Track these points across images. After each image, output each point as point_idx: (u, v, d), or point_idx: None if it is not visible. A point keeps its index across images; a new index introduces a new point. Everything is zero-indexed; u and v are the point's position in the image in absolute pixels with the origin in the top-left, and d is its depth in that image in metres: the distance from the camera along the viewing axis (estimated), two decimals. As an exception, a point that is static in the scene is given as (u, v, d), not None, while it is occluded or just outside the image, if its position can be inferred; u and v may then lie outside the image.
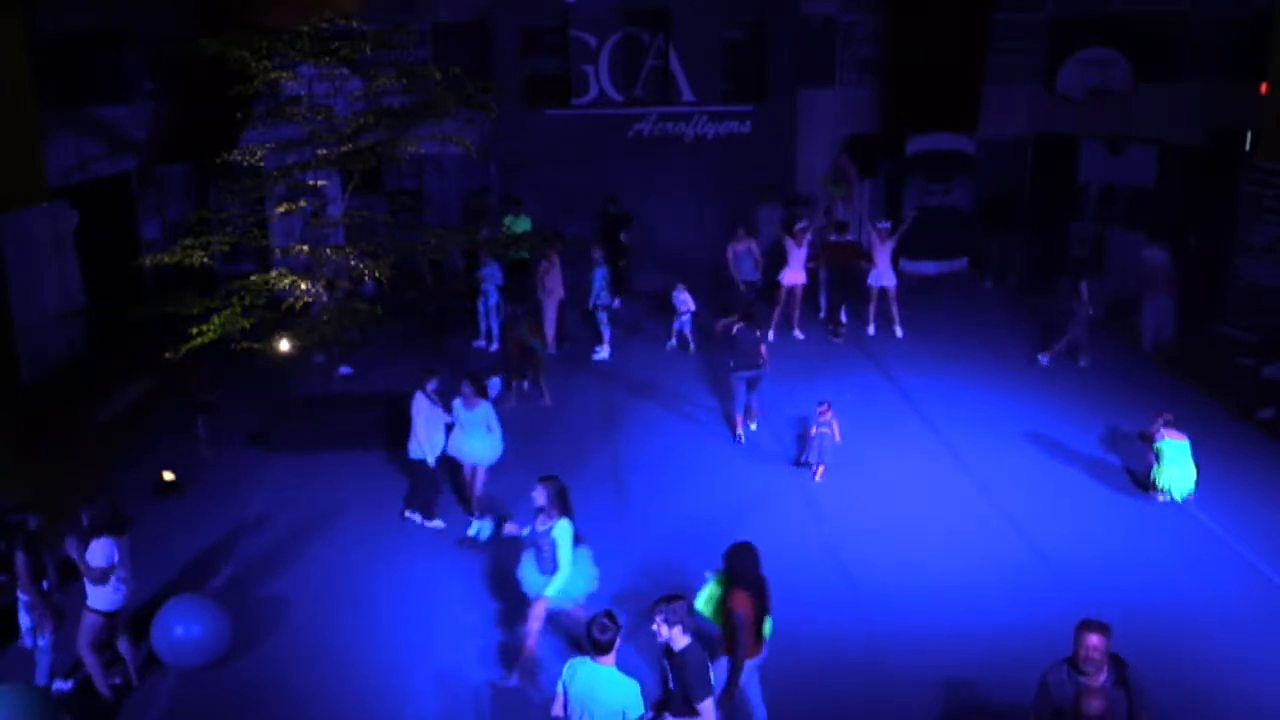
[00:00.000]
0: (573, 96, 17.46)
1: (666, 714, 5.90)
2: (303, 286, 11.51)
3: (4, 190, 11.37)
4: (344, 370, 13.52)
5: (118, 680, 7.69)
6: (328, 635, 8.28)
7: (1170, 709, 6.77)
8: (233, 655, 7.93)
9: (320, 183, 12.23)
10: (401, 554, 9.46)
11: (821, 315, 15.86)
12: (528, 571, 7.58)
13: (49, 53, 13.00)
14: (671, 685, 5.85)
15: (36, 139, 11.79)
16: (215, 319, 10.81)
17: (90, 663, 7.52)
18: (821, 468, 10.79)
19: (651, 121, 17.56)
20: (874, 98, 18.62)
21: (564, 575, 7.34)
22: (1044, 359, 13.95)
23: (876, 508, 10.15)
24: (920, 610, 8.47)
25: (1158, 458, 10.09)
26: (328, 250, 11.77)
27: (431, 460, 9.79)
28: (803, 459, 10.99)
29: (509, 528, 7.76)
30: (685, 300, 14.43)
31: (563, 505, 7.45)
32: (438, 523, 9.98)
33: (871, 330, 15.16)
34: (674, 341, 14.78)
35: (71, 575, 7.67)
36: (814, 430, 10.78)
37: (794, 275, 14.82)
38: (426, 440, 9.76)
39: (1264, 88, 13.91)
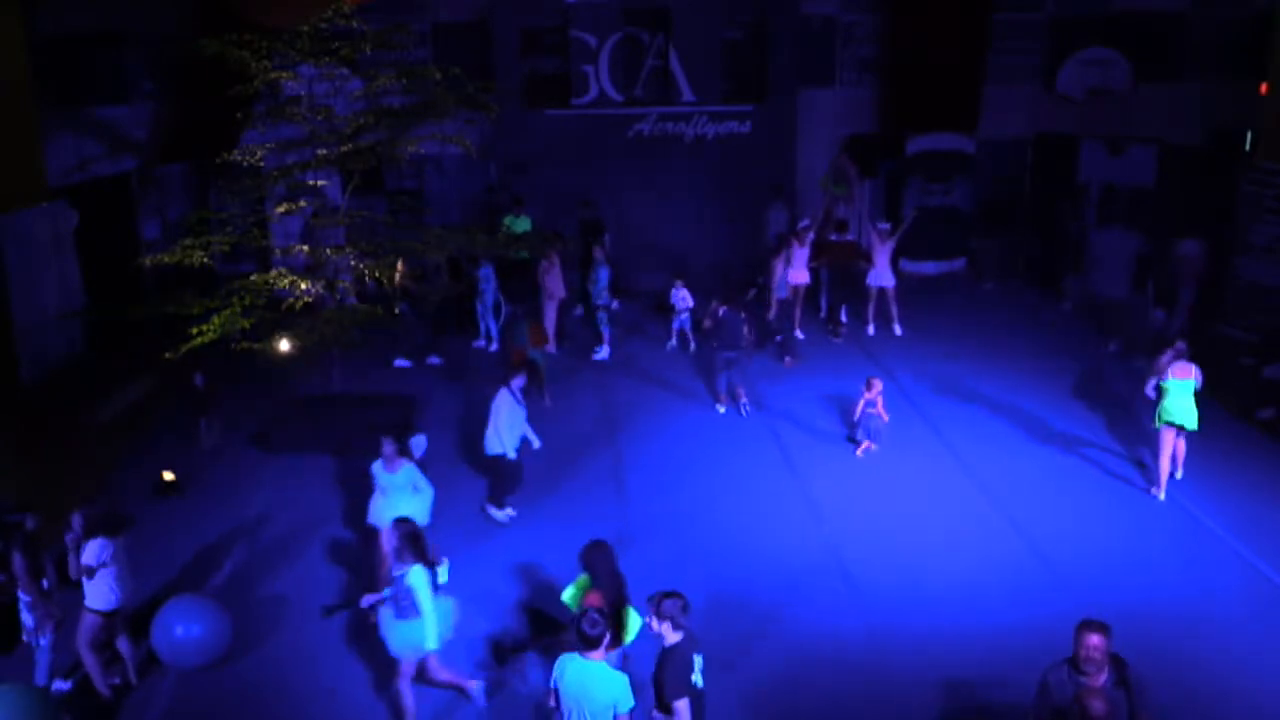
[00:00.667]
0: (573, 96, 17.46)
1: (654, 711, 5.91)
2: (303, 286, 11.51)
3: (4, 190, 11.36)
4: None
5: (117, 680, 7.70)
6: (327, 635, 8.27)
7: (1170, 709, 6.77)
8: (233, 655, 7.93)
9: (320, 183, 12.24)
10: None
11: (822, 315, 15.88)
12: (387, 626, 7.14)
13: (49, 53, 13.00)
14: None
15: (36, 139, 11.78)
16: (215, 319, 10.82)
17: (89, 662, 7.52)
18: (869, 444, 11.21)
19: (651, 121, 17.56)
20: (874, 98, 18.63)
21: (432, 622, 6.96)
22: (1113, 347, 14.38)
23: (876, 508, 10.15)
24: (920, 610, 8.47)
25: (1161, 394, 10.18)
26: (328, 250, 11.77)
27: (512, 453, 9.86)
28: (855, 436, 11.39)
29: (366, 599, 7.49)
30: (684, 298, 14.44)
31: (416, 550, 7.05)
32: (509, 511, 10.04)
33: (871, 330, 15.17)
34: (674, 341, 14.78)
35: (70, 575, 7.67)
36: (862, 407, 11.23)
37: (797, 275, 14.83)
38: (509, 434, 9.78)
39: (1264, 88, 13.90)
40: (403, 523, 7.23)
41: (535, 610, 8.55)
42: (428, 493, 8.79)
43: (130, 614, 7.83)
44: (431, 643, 7.00)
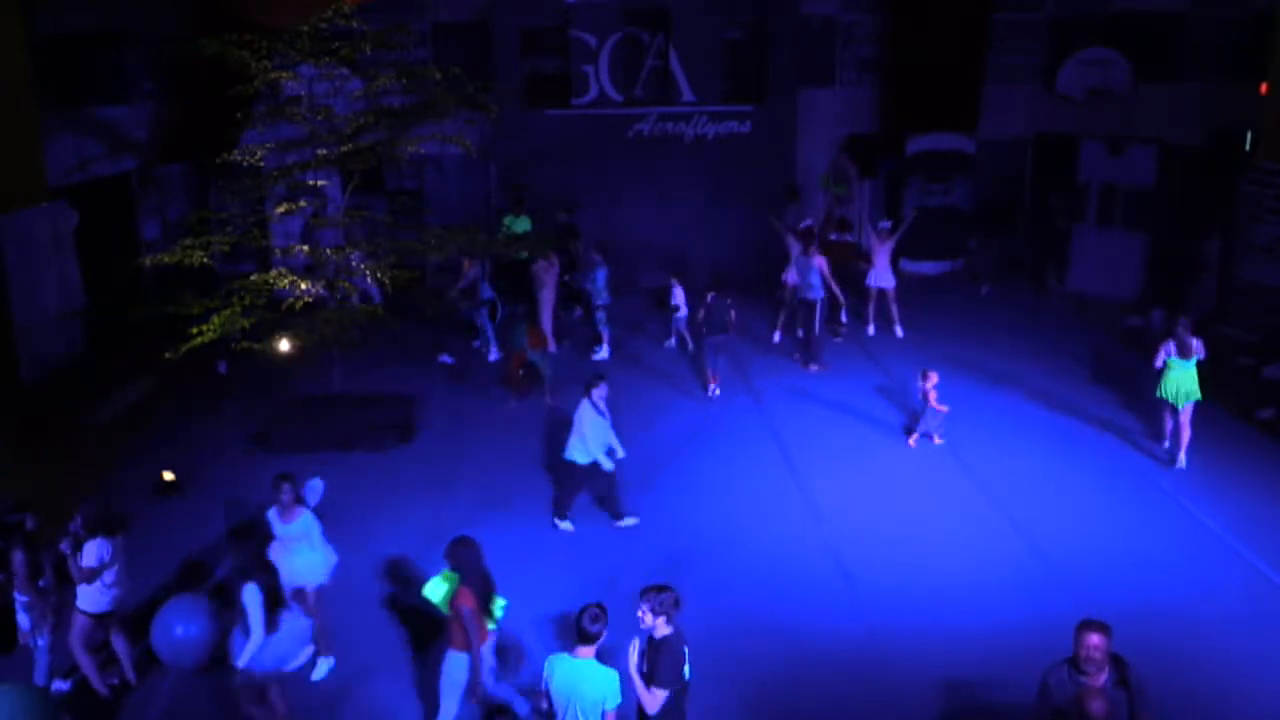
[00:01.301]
0: (573, 96, 17.46)
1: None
2: (303, 286, 11.51)
3: (4, 190, 11.36)
4: (445, 359, 14.35)
5: (115, 680, 7.69)
6: (326, 634, 8.26)
7: (1170, 708, 6.78)
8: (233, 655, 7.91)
9: (320, 183, 12.24)
10: (399, 554, 9.45)
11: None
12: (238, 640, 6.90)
13: (49, 53, 13.00)
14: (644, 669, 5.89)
15: (36, 139, 11.79)
16: (215, 319, 10.82)
17: (84, 663, 7.52)
18: (937, 438, 11.35)
19: (651, 121, 17.56)
20: (874, 98, 18.64)
21: (255, 641, 6.72)
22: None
23: (876, 508, 10.15)
24: (920, 610, 8.47)
25: (1164, 370, 10.78)
26: (328, 250, 11.77)
27: (607, 463, 9.66)
28: (920, 431, 11.48)
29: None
30: (680, 296, 14.40)
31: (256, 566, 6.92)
32: (567, 525, 9.90)
33: (871, 330, 15.16)
34: (673, 340, 14.77)
35: (68, 575, 7.66)
36: (925, 399, 11.35)
37: (797, 275, 14.78)
38: (594, 443, 9.62)
39: (1264, 88, 13.91)
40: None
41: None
42: (322, 545, 7.95)
43: (127, 614, 7.83)
44: (243, 662, 6.76)
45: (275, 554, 7.68)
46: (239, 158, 12.11)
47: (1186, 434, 10.88)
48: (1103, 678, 5.63)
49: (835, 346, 14.70)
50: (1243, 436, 11.75)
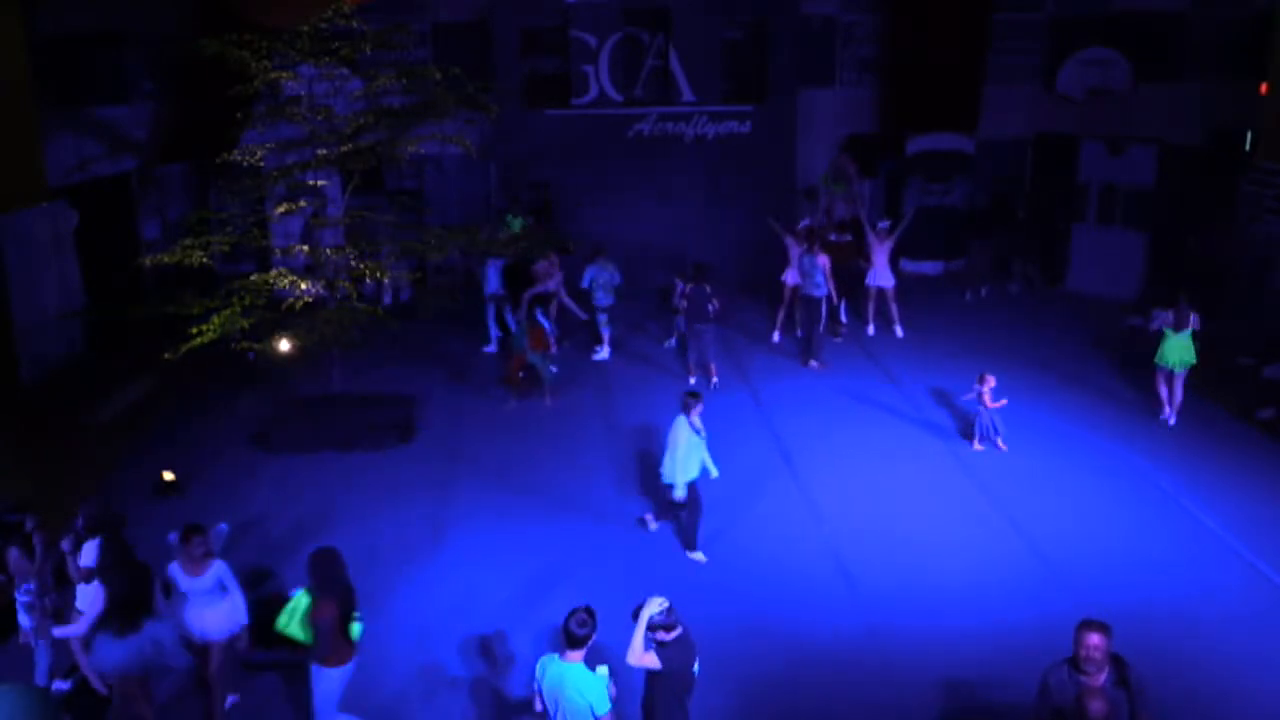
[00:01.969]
0: (573, 96, 17.46)
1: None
2: (303, 286, 11.51)
3: (4, 190, 11.36)
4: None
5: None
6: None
7: (1170, 708, 6.78)
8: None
9: (320, 183, 12.24)
10: (398, 554, 9.45)
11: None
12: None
13: (49, 53, 13.01)
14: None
15: (36, 139, 11.79)
16: (215, 319, 10.82)
17: (84, 664, 7.52)
18: (999, 442, 11.26)
19: (651, 121, 17.57)
20: (874, 98, 18.64)
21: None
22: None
23: (877, 507, 10.14)
24: (920, 610, 8.47)
25: (1161, 339, 11.78)
26: (328, 250, 11.77)
27: (681, 489, 9.12)
28: (981, 436, 11.36)
29: None
30: (681, 292, 14.38)
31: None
32: (699, 555, 9.27)
33: (871, 330, 15.16)
34: (673, 340, 14.76)
35: (68, 575, 7.66)
36: (982, 403, 11.24)
37: (796, 275, 14.79)
38: (688, 464, 9.07)
39: (1264, 88, 13.93)
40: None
41: None
42: (237, 593, 7.33)
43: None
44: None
45: (188, 612, 7.18)
46: (239, 158, 12.11)
47: (1179, 396, 11.96)
48: (1102, 677, 5.63)
49: (835, 346, 14.70)
50: (1243, 436, 11.75)
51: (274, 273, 11.50)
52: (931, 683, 7.58)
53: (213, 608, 7.24)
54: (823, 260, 13.68)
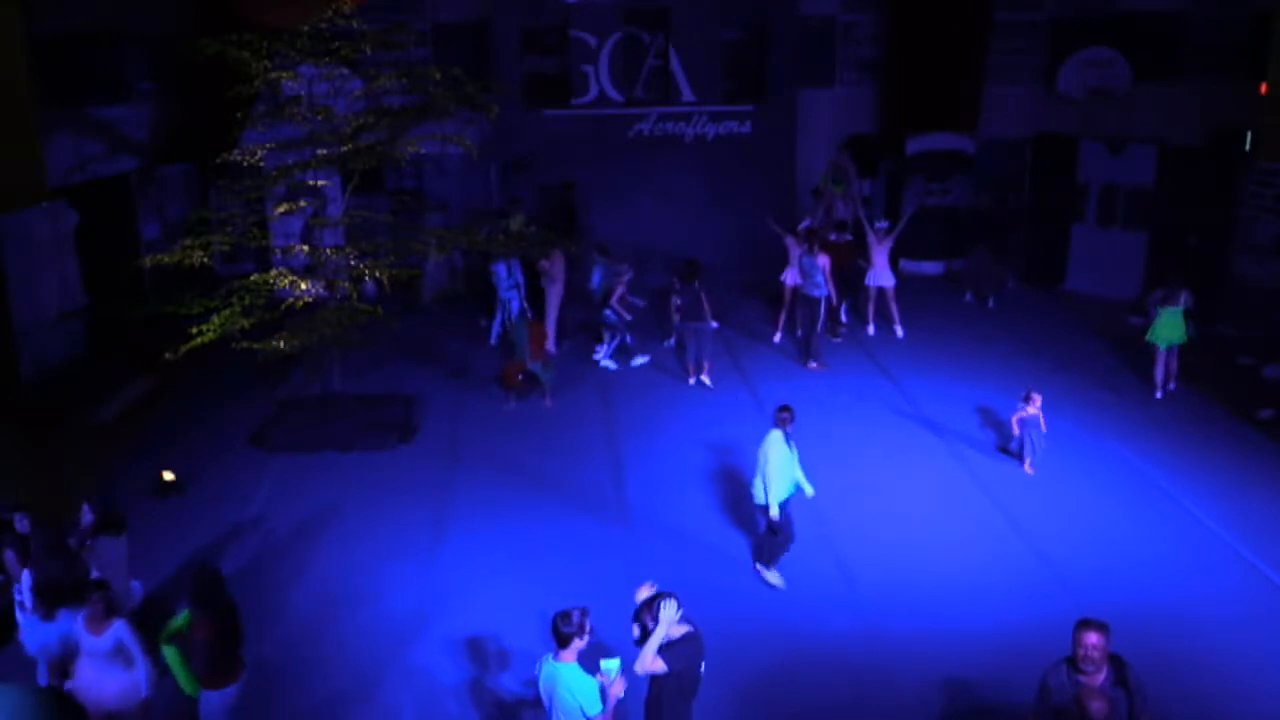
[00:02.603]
0: (573, 96, 17.46)
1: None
2: (303, 286, 11.51)
3: (4, 190, 11.35)
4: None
5: None
6: (326, 634, 8.28)
7: (1170, 708, 6.78)
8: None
9: (320, 183, 12.23)
10: (398, 554, 9.46)
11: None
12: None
13: (49, 53, 13.00)
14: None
15: (36, 139, 11.78)
16: (215, 319, 10.82)
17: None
18: (1028, 462, 10.87)
19: (651, 121, 17.57)
20: (874, 98, 18.64)
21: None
22: None
23: (877, 507, 10.14)
24: (920, 610, 8.47)
25: (1154, 318, 12.50)
26: (328, 250, 11.77)
27: (776, 509, 8.62)
28: (1010, 448, 11.07)
29: None
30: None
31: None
32: (774, 576, 8.88)
33: (871, 330, 15.16)
34: (674, 340, 14.75)
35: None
36: (1022, 418, 10.84)
37: (795, 275, 14.79)
38: (781, 481, 8.58)
39: (1264, 88, 13.91)
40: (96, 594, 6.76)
41: None
42: (141, 663, 6.73)
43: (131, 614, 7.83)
44: None
45: (83, 674, 6.69)
46: (239, 158, 12.11)
47: (1174, 369, 12.71)
48: (1101, 677, 5.63)
49: (835, 346, 14.70)
50: (1243, 436, 11.75)
51: (274, 273, 11.50)
52: (931, 683, 7.58)
53: (109, 674, 6.67)
54: (823, 261, 13.67)
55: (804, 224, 15.43)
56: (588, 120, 17.48)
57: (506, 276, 14.46)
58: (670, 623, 5.77)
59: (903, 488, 10.56)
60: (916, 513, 10.03)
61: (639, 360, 14.13)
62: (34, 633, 7.13)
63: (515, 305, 14.16)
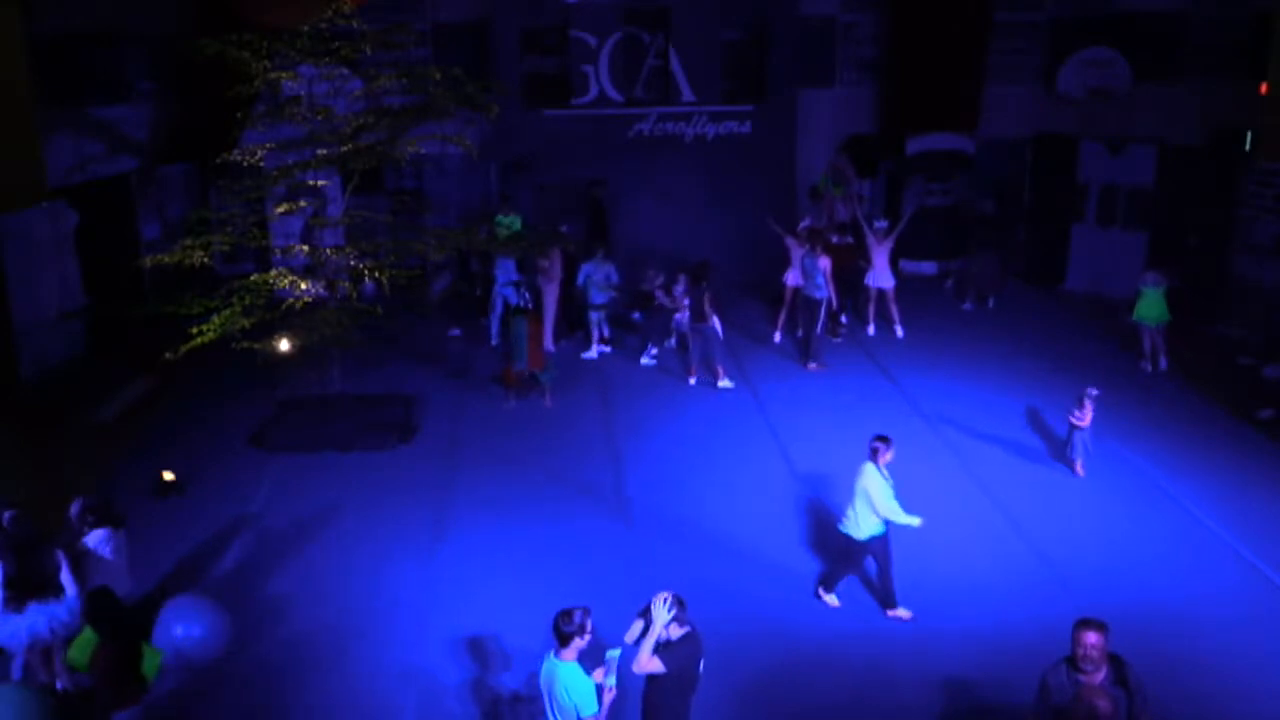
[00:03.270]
0: (573, 96, 17.46)
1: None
2: (303, 286, 11.51)
3: (4, 190, 11.35)
4: (454, 331, 15.31)
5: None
6: (326, 634, 8.27)
7: (1170, 708, 6.78)
8: (231, 655, 7.92)
9: (320, 183, 12.23)
10: (398, 554, 9.46)
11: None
12: None
13: (49, 53, 13.00)
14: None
15: (36, 139, 11.78)
16: (215, 319, 10.82)
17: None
18: (1079, 462, 10.74)
19: (651, 121, 17.57)
20: (874, 98, 18.64)
21: None
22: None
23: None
24: (920, 610, 8.46)
25: (1137, 298, 13.49)
26: (328, 250, 11.78)
27: (907, 518, 8.20)
28: (1080, 458, 10.75)
29: None
30: (681, 294, 14.36)
31: None
32: (832, 599, 8.59)
33: (871, 330, 15.16)
34: (673, 340, 14.75)
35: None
36: (1077, 423, 10.66)
37: (796, 276, 14.79)
38: (883, 511, 8.17)
39: (1264, 88, 13.91)
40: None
41: None
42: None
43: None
44: None
45: None
46: (239, 158, 12.11)
47: (1161, 347, 13.52)
48: (1100, 676, 5.63)
49: (835, 346, 14.70)
50: (1243, 436, 11.75)
51: (274, 273, 11.50)
52: (931, 683, 7.58)
53: None
54: (824, 262, 13.69)
55: (804, 224, 15.43)
56: (588, 120, 17.48)
57: (506, 273, 14.52)
58: (662, 623, 5.76)
59: (903, 487, 10.44)
60: (916, 511, 9.98)
61: (646, 359, 14.17)
62: (3, 626, 7.13)
63: (513, 298, 14.20)
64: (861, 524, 8.24)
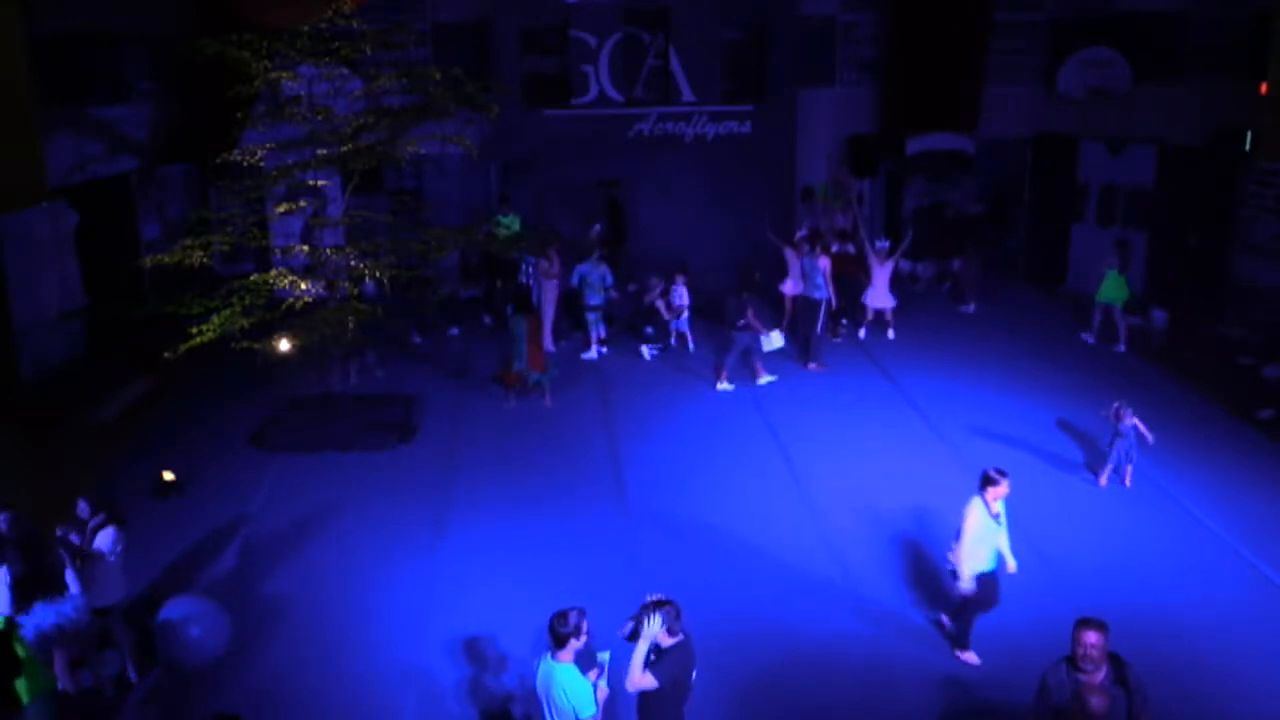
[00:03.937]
0: (573, 96, 17.46)
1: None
2: (303, 286, 11.51)
3: (4, 190, 11.36)
4: (454, 331, 15.47)
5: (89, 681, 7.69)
6: (326, 634, 8.28)
7: (1170, 708, 6.78)
8: (232, 655, 7.93)
9: (320, 183, 12.23)
10: (398, 554, 9.46)
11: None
12: None
13: (49, 53, 13.00)
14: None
15: (36, 139, 11.79)
16: (215, 319, 10.82)
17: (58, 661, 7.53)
18: (1125, 471, 10.46)
19: (651, 121, 17.56)
20: (874, 98, 18.63)
21: None
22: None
23: (876, 507, 10.14)
24: (920, 610, 8.46)
25: (1100, 282, 14.38)
26: (328, 250, 11.78)
27: (969, 581, 7.60)
28: (1123, 466, 10.47)
29: None
30: (682, 294, 14.39)
31: None
32: (971, 657, 7.86)
33: (863, 334, 15.17)
34: (673, 341, 14.75)
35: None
36: (1118, 429, 10.34)
37: (795, 285, 14.80)
38: (982, 549, 7.57)
39: (1264, 88, 13.90)
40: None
41: None
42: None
43: (125, 611, 7.84)
44: None
45: None
46: (239, 158, 12.11)
47: (1123, 326, 14.37)
48: (1100, 675, 5.63)
49: (835, 347, 14.71)
50: (1243, 436, 11.75)
51: (274, 273, 11.50)
52: (931, 682, 7.58)
53: None
54: (823, 262, 13.70)
55: (801, 233, 15.44)
56: (588, 120, 17.48)
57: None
58: (651, 636, 5.73)
59: (903, 487, 10.55)
60: (917, 512, 10.03)
61: (649, 352, 14.23)
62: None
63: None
64: (971, 561, 7.52)
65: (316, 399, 12.45)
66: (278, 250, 12.75)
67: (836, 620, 8.38)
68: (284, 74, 11.71)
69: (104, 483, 10.58)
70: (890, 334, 15.02)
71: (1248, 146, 15.00)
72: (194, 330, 10.72)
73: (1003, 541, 7.71)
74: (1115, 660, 5.72)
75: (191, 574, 9.21)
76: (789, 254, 14.91)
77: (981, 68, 17.71)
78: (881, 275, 14.88)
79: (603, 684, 5.72)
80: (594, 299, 14.37)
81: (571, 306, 15.02)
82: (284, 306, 11.51)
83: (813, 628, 8.25)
